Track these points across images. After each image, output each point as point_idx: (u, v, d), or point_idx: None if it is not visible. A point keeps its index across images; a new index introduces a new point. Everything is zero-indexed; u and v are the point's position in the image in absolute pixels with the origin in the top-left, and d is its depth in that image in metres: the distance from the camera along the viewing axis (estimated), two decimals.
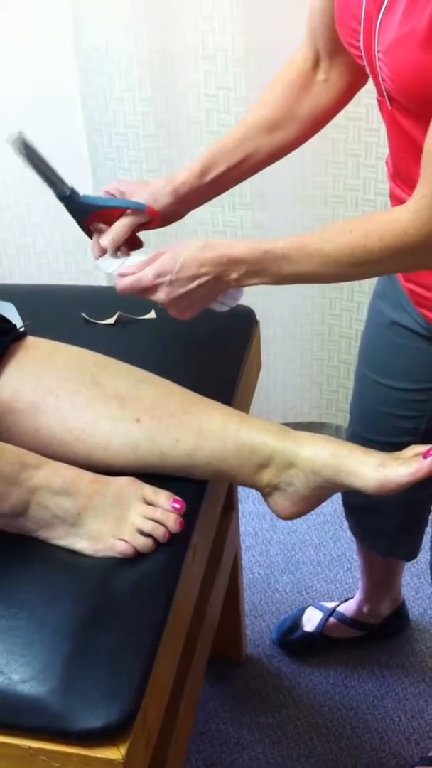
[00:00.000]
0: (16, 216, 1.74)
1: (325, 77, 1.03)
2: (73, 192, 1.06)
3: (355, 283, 1.69)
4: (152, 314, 1.17)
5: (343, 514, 1.37)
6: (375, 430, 1.19)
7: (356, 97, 1.06)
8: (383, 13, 0.81)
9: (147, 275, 0.96)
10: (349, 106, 1.07)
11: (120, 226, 1.03)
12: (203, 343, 1.15)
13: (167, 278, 0.95)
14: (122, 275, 0.98)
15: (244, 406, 1.13)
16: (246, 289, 1.87)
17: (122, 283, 0.98)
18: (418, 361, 1.10)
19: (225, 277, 0.95)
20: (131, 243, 1.07)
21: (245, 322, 1.22)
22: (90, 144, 1.64)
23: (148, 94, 1.52)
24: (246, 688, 1.48)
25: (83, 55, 1.54)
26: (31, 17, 1.54)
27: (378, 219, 0.88)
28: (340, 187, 1.60)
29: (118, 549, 0.83)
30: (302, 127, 1.05)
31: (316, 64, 1.03)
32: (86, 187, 1.70)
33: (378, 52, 0.83)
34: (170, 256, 0.95)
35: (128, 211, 1.03)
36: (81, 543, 0.84)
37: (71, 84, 1.58)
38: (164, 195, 1.04)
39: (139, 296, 0.98)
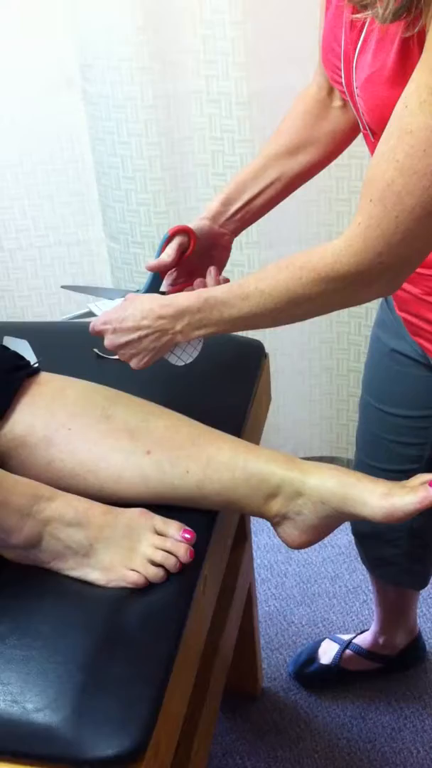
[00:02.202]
0: (29, 258, 1.78)
1: (341, 103, 1.05)
2: (138, 291, 1.09)
3: (363, 317, 1.71)
4: None
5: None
6: (379, 457, 1.20)
7: (360, 137, 1.09)
8: (358, 52, 0.84)
9: (96, 321, 1.00)
10: (352, 146, 1.10)
11: (165, 254, 1.06)
12: (213, 377, 1.17)
13: (110, 327, 0.99)
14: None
15: (253, 439, 1.15)
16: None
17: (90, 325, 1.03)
18: (419, 388, 1.12)
19: (168, 329, 0.96)
20: (189, 272, 1.09)
21: (254, 356, 1.24)
22: (99, 187, 1.68)
23: (155, 138, 1.56)
24: (263, 722, 1.48)
25: (90, 102, 1.59)
26: (40, 68, 1.59)
27: (312, 251, 0.87)
28: (345, 224, 1.63)
29: (130, 579, 0.85)
30: (324, 149, 1.07)
31: (330, 91, 1.05)
32: (96, 228, 1.75)
33: (356, 88, 0.86)
34: (122, 306, 0.99)
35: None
36: (93, 574, 0.85)
37: (80, 130, 1.63)
38: (203, 226, 1.08)
39: None
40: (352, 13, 0.82)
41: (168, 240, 1.06)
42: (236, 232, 1.11)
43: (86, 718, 0.73)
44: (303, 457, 1.92)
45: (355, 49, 0.85)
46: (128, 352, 1.00)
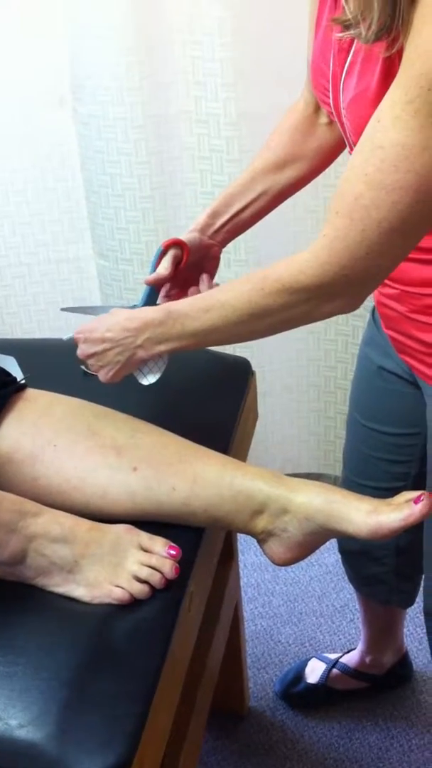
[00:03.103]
0: (17, 275, 1.78)
1: (327, 120, 1.06)
2: (135, 306, 1.10)
3: (350, 335, 1.73)
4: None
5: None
6: (366, 475, 1.21)
7: (346, 157, 1.10)
8: (345, 73, 0.86)
9: (75, 330, 1.02)
10: (340, 167, 1.11)
11: (162, 267, 1.07)
12: (200, 394, 1.17)
13: (82, 336, 1.00)
14: None
15: (241, 456, 1.15)
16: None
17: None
18: (405, 405, 1.12)
19: (131, 344, 0.97)
20: (181, 283, 1.10)
21: (241, 373, 1.25)
22: (89, 205, 1.69)
23: (144, 158, 1.58)
24: (249, 742, 1.47)
25: (81, 122, 1.60)
26: (32, 87, 1.61)
27: (277, 263, 0.87)
28: None
29: (115, 596, 0.84)
30: (310, 164, 1.09)
31: (317, 108, 1.07)
32: (86, 245, 1.76)
33: (343, 108, 0.88)
34: (99, 318, 1.00)
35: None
36: (78, 590, 0.85)
37: (71, 149, 1.65)
38: (193, 239, 1.09)
39: None
40: (337, 32, 0.84)
41: (162, 253, 1.07)
42: (224, 243, 1.12)
43: (70, 734, 0.73)
44: (290, 473, 1.92)
45: (342, 70, 0.86)
46: (96, 363, 1.01)
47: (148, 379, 1.04)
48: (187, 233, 1.10)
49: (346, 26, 0.80)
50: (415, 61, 0.73)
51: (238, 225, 1.11)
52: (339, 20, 0.81)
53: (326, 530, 0.91)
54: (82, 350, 1.01)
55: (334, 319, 1.78)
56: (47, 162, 1.68)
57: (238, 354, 1.31)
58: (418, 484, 1.17)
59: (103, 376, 1.01)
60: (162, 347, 0.96)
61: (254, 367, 1.27)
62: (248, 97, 1.52)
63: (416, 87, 0.73)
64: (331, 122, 1.06)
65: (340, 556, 1.36)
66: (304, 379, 1.82)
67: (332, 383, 1.82)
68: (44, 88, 1.62)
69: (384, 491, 1.19)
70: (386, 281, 1.01)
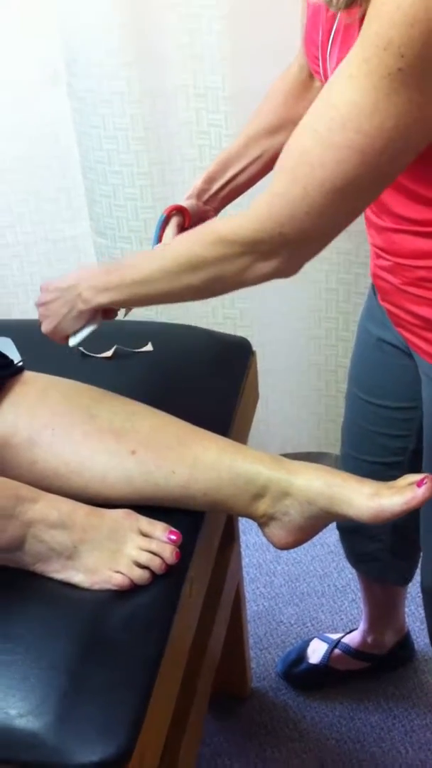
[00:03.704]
0: (15, 254, 1.76)
1: (320, 84, 1.05)
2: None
3: (351, 312, 1.70)
4: (149, 347, 1.18)
5: None
6: (364, 449, 1.21)
7: None
8: (331, 43, 0.85)
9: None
10: None
11: (167, 236, 1.07)
12: (200, 375, 1.16)
13: (43, 285, 1.02)
14: None
15: (241, 438, 1.14)
16: (241, 320, 1.88)
17: None
18: (403, 378, 1.11)
19: (74, 293, 0.97)
20: None
21: (241, 353, 1.23)
22: (86, 182, 1.66)
23: (141, 133, 1.55)
24: (252, 723, 1.47)
25: (77, 97, 1.57)
26: (25, 64, 1.57)
27: (220, 218, 0.89)
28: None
29: (115, 581, 0.83)
30: None
31: (311, 74, 1.06)
32: (83, 224, 1.73)
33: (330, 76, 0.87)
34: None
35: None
36: (77, 576, 0.84)
37: (66, 125, 1.62)
38: (191, 205, 1.09)
39: None
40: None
41: (165, 221, 1.07)
42: (219, 209, 1.12)
43: (70, 723, 0.72)
44: (291, 453, 1.92)
45: (328, 40, 0.86)
46: (42, 313, 1.01)
47: (74, 339, 1.02)
48: (185, 200, 1.09)
49: None
50: (373, 21, 0.71)
51: (233, 190, 1.10)
52: None
53: (327, 514, 0.90)
54: (39, 298, 1.02)
55: (335, 297, 1.77)
56: (42, 139, 1.65)
57: (238, 333, 1.29)
58: (415, 458, 1.17)
59: (44, 327, 1.01)
60: (102, 297, 0.95)
61: (254, 346, 1.25)
62: (246, 71, 1.48)
63: (371, 46, 0.71)
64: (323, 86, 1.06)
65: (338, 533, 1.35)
66: (305, 358, 1.81)
67: (333, 362, 1.80)
68: (37, 64, 1.58)
69: (382, 466, 1.19)
70: (380, 253, 1.00)
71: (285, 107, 1.07)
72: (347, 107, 0.74)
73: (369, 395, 1.17)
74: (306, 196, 0.78)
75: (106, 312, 1.05)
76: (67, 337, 1.02)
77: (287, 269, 0.86)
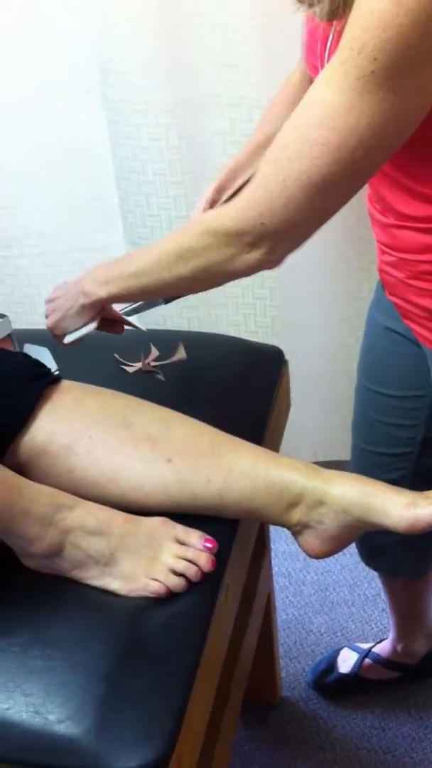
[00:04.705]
0: (49, 264, 1.78)
1: None
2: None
3: None
4: (182, 353, 1.19)
5: None
6: (374, 441, 1.22)
7: None
8: (327, 52, 0.88)
9: None
10: None
11: None
12: (232, 383, 1.16)
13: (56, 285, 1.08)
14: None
15: (274, 445, 1.14)
16: (273, 328, 1.88)
17: None
18: (410, 367, 1.13)
19: (78, 287, 1.01)
20: None
21: (274, 362, 1.23)
22: (120, 192, 1.68)
23: (175, 143, 1.56)
24: (282, 732, 1.47)
25: (111, 108, 1.58)
26: (61, 74, 1.59)
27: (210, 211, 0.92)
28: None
29: (151, 589, 0.84)
30: None
31: (311, 80, 1.07)
32: (117, 233, 1.75)
33: None
34: None
35: None
36: (114, 583, 0.85)
37: (100, 135, 1.63)
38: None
39: None
40: (301, 9, 0.86)
41: None
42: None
43: (109, 729, 0.73)
44: (323, 461, 1.91)
45: (325, 50, 0.88)
46: (49, 308, 1.06)
47: (70, 337, 1.05)
48: (200, 212, 1.12)
49: (310, 4, 0.83)
50: (350, 26, 0.76)
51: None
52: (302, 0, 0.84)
53: (362, 523, 0.90)
54: (48, 296, 1.07)
55: (365, 305, 1.77)
56: (76, 149, 1.66)
57: (270, 342, 1.29)
58: (424, 449, 1.19)
59: (47, 321, 1.05)
60: (102, 290, 0.98)
61: (286, 353, 1.25)
62: (280, 80, 1.49)
63: (348, 50, 0.76)
64: None
65: None
66: (337, 366, 1.80)
67: None
68: (72, 74, 1.60)
69: (391, 457, 1.20)
70: (384, 249, 1.03)
71: (284, 116, 1.09)
72: (324, 105, 0.78)
73: (377, 385, 1.19)
74: (284, 188, 0.82)
75: (112, 325, 1.07)
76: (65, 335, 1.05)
77: (270, 261, 0.90)
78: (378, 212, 1.01)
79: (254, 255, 0.88)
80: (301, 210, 0.83)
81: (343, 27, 0.78)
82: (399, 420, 1.19)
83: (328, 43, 0.87)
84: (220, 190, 1.12)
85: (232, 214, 0.87)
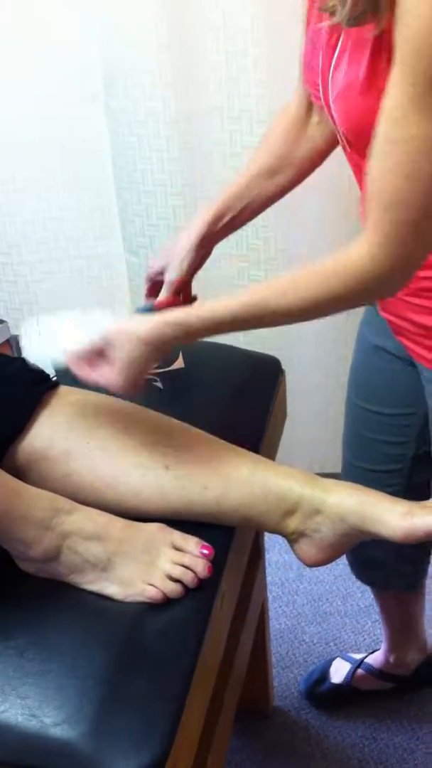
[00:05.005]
0: (47, 270, 1.79)
1: (318, 119, 1.08)
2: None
3: None
4: (180, 362, 1.20)
5: None
6: (365, 457, 1.22)
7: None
8: (333, 67, 0.87)
9: None
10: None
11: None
12: (230, 393, 1.17)
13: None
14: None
15: (270, 454, 1.15)
16: (270, 340, 1.90)
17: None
18: (401, 384, 1.13)
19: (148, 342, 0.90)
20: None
21: (271, 372, 1.24)
22: (120, 202, 1.69)
23: (176, 154, 1.57)
24: (273, 741, 1.47)
25: (113, 117, 1.60)
26: (65, 83, 1.61)
27: (333, 266, 0.86)
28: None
29: (148, 594, 0.84)
30: (299, 170, 1.11)
31: (309, 108, 1.08)
32: (116, 242, 1.76)
33: (332, 102, 0.89)
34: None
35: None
36: (111, 588, 0.85)
37: (103, 144, 1.64)
38: (192, 250, 1.09)
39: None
40: (318, 22, 0.85)
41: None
42: (218, 241, 1.13)
43: (105, 733, 0.73)
44: (318, 473, 1.91)
45: (329, 65, 0.87)
46: (97, 375, 0.92)
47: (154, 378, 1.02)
48: (194, 238, 1.08)
49: (332, 13, 0.80)
50: (408, 41, 0.72)
51: (231, 227, 1.12)
52: (324, 8, 0.81)
53: (359, 532, 0.91)
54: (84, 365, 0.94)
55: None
56: (78, 157, 1.68)
57: (267, 352, 1.30)
58: (414, 466, 1.19)
59: (115, 382, 0.91)
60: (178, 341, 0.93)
61: (283, 365, 1.26)
62: (281, 94, 1.50)
63: (415, 67, 0.72)
64: (320, 121, 1.07)
65: None
66: (333, 379, 1.81)
67: None
68: (76, 82, 1.61)
69: (382, 473, 1.21)
70: None
71: (285, 145, 1.10)
72: (417, 141, 0.76)
73: (367, 402, 1.20)
74: (414, 230, 0.81)
75: None
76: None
77: (400, 288, 0.90)
78: None
79: (387, 290, 0.90)
80: (429, 241, 0.84)
81: (370, 36, 0.78)
82: (389, 437, 1.20)
83: (334, 57, 0.86)
84: (216, 221, 1.09)
85: (370, 267, 0.83)
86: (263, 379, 1.23)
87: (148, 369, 0.93)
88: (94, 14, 1.53)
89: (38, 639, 0.81)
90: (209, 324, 0.89)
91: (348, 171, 1.14)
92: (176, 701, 0.76)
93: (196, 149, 1.57)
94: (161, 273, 1.11)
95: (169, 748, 0.73)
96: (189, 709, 0.78)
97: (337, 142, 1.10)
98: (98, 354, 0.91)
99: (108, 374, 0.91)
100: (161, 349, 0.91)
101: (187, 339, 0.91)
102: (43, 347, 0.97)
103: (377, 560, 1.32)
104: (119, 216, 1.71)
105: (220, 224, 1.10)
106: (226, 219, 1.10)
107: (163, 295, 1.10)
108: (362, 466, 1.23)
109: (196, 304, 0.99)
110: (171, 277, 1.09)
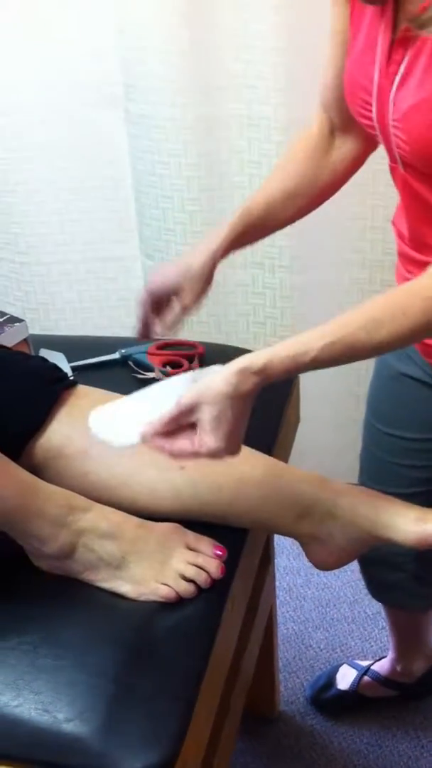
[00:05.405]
0: (64, 272, 1.80)
1: (340, 144, 1.06)
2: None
3: None
4: (195, 365, 1.21)
5: None
6: (386, 481, 1.20)
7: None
8: (397, 84, 0.85)
9: None
10: (388, 176, 1.11)
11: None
12: None
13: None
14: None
15: (283, 458, 1.15)
16: None
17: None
18: (424, 410, 1.12)
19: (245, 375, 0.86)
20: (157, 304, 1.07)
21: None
22: (137, 205, 1.70)
23: (194, 159, 1.58)
24: (278, 746, 1.47)
25: (132, 122, 1.61)
26: (85, 87, 1.62)
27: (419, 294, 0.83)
28: (378, 252, 1.64)
29: (161, 593, 0.85)
30: (320, 195, 1.08)
31: (331, 133, 1.06)
32: (133, 245, 1.77)
33: (393, 120, 0.87)
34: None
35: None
36: (124, 586, 0.86)
37: (122, 149, 1.66)
38: (207, 270, 1.04)
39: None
40: (405, 32, 0.82)
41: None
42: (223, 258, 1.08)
43: (116, 730, 0.74)
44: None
45: (392, 82, 0.86)
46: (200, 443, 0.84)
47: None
48: (203, 257, 1.03)
49: (419, 25, 0.79)
50: None
51: (241, 245, 1.08)
52: (420, 21, 0.79)
53: (371, 537, 0.91)
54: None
55: None
56: (98, 161, 1.69)
57: None
58: None
59: (221, 446, 0.83)
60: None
61: None
62: (299, 102, 1.52)
63: None
64: (342, 147, 1.05)
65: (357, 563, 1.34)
66: (345, 388, 1.82)
67: None
68: (96, 87, 1.63)
69: (403, 497, 1.17)
70: None
71: (309, 170, 1.07)
72: None
73: (388, 427, 1.18)
74: None
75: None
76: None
77: None
78: (413, 250, 0.99)
79: None
80: None
81: None
82: (413, 461, 1.17)
83: (398, 76, 0.83)
84: (237, 241, 1.05)
85: None
86: (277, 383, 1.23)
87: (244, 423, 0.86)
88: (115, 20, 1.54)
89: (52, 635, 0.81)
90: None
91: (363, 178, 1.14)
92: (186, 702, 0.77)
93: (214, 155, 1.58)
94: (160, 295, 1.05)
95: (178, 749, 0.74)
96: (198, 710, 0.78)
97: (359, 167, 1.09)
98: (181, 423, 0.83)
99: (205, 439, 0.82)
100: (247, 395, 0.85)
101: (268, 381, 0.87)
102: (118, 430, 0.88)
103: (397, 584, 1.31)
104: (136, 220, 1.72)
105: (235, 248, 1.07)
106: (245, 239, 1.07)
107: (167, 322, 1.06)
108: (382, 489, 1.20)
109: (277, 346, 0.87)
110: (185, 305, 1.03)
